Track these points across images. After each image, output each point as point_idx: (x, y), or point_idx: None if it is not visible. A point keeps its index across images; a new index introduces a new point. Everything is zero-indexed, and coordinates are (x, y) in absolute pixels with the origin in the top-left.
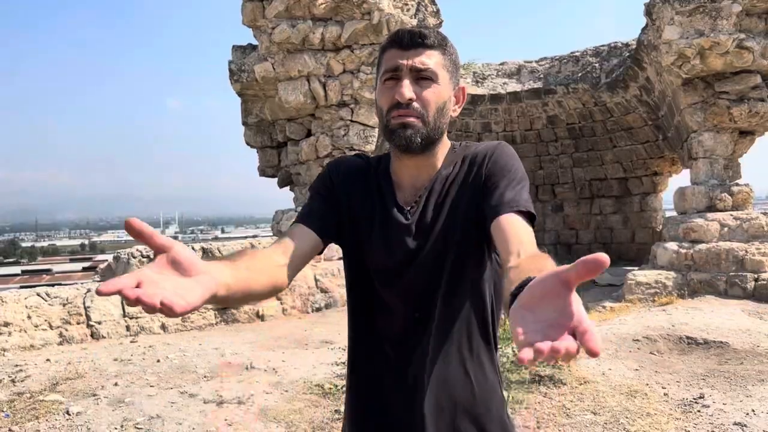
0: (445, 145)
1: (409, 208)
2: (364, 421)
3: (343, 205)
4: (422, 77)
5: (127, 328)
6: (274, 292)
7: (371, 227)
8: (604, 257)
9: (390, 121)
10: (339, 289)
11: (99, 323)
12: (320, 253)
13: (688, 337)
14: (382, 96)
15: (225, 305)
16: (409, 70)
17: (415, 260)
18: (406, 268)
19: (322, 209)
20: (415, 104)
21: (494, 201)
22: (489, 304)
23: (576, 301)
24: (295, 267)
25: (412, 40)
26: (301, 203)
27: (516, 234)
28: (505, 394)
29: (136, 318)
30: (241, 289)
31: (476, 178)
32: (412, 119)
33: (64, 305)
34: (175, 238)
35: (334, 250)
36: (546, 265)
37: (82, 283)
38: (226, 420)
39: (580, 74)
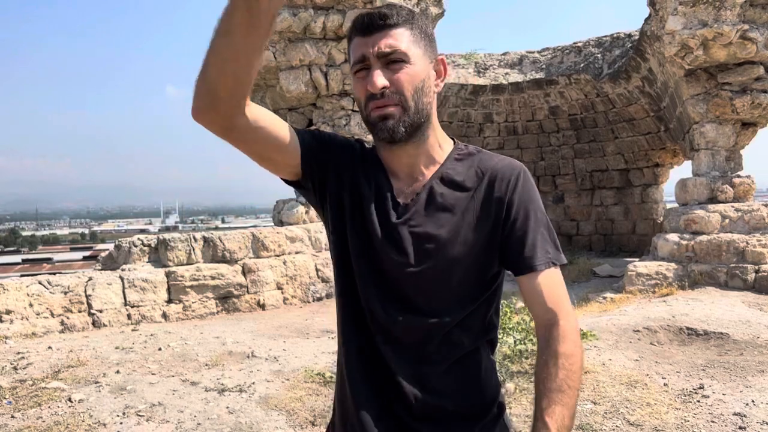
0: (439, 133)
1: (406, 203)
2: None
3: (337, 171)
4: (392, 60)
5: (129, 316)
6: (234, 88)
7: (361, 214)
8: None
9: (370, 114)
10: None
11: (100, 311)
12: (289, 181)
13: (688, 328)
14: (356, 88)
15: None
16: (377, 58)
17: (403, 267)
18: (389, 272)
19: (313, 144)
20: (389, 92)
21: (527, 250)
22: (493, 307)
23: None
24: (256, 117)
25: (372, 23)
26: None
27: (545, 297)
28: (509, 385)
29: (138, 307)
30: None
31: (498, 204)
32: (390, 109)
33: (65, 293)
34: (176, 227)
35: None
36: (551, 377)
37: (83, 272)
38: (227, 408)
39: (582, 65)
